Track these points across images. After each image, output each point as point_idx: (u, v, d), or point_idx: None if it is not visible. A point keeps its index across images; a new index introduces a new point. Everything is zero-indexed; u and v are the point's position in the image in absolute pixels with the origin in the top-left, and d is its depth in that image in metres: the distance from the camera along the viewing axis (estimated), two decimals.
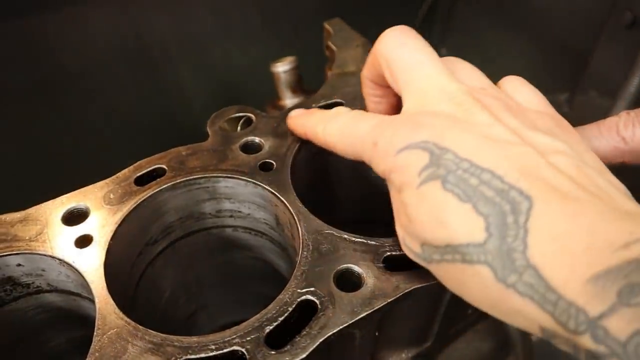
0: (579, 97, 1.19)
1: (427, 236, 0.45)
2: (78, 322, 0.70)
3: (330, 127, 0.58)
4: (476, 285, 0.41)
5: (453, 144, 0.44)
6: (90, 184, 0.70)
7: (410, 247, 0.50)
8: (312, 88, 1.05)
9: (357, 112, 0.58)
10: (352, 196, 0.85)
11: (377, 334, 0.60)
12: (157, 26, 1.36)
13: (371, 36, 1.66)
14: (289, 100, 1.00)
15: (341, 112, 0.59)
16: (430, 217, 0.43)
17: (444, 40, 1.70)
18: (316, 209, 0.78)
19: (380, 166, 0.50)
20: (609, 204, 0.38)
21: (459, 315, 0.70)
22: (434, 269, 0.48)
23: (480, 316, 0.75)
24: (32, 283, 0.65)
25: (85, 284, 0.61)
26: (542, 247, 0.37)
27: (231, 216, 0.72)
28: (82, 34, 1.26)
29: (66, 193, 0.67)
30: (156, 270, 0.71)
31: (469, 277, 0.42)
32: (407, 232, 0.49)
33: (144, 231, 0.67)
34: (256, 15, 1.43)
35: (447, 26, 1.67)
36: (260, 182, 0.65)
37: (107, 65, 1.34)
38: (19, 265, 0.62)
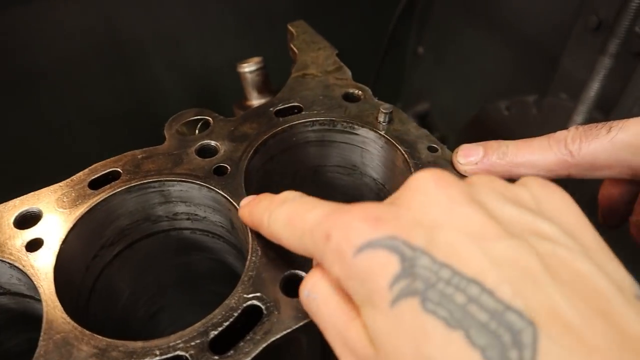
0: (548, 99, 1.21)
1: None
2: (34, 323, 0.70)
3: (276, 216, 0.49)
4: None
5: (426, 243, 0.35)
6: (58, 177, 0.70)
7: None
8: (280, 88, 1.05)
9: (309, 199, 0.48)
10: (315, 196, 0.85)
11: (323, 339, 0.60)
12: (130, 21, 1.35)
13: (350, 30, 1.66)
14: (255, 100, 1.00)
15: (289, 198, 0.49)
16: (412, 350, 0.33)
17: (421, 39, 1.71)
18: None
19: (334, 267, 0.39)
20: (621, 333, 0.30)
21: None
22: None
23: None
24: None
25: (33, 288, 0.62)
26: None
27: (188, 219, 0.73)
28: (53, 29, 1.25)
29: (29, 184, 0.67)
30: (113, 272, 0.71)
31: None
32: None
33: (99, 234, 0.67)
34: (231, 13, 1.43)
35: (424, 25, 1.68)
36: (213, 186, 0.65)
37: (79, 61, 1.33)
38: None
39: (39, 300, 0.66)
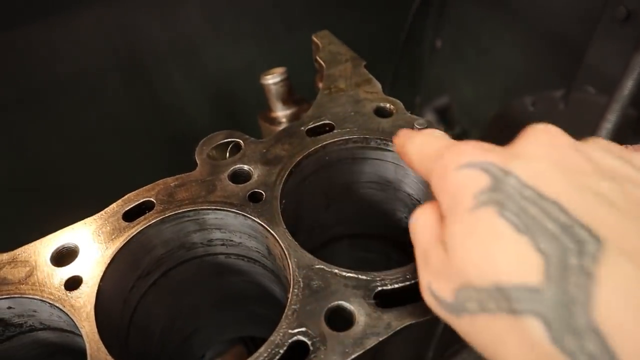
0: (575, 94, 1.18)
1: (470, 273, 0.37)
2: (74, 354, 0.70)
3: (414, 140, 0.53)
4: (519, 344, 0.34)
5: (518, 168, 0.38)
6: (86, 195, 0.69)
7: (437, 294, 0.44)
8: (304, 96, 1.04)
9: (443, 135, 0.52)
10: (346, 213, 0.84)
11: None
12: (147, 31, 1.34)
13: (367, 25, 1.63)
14: (280, 111, 0.99)
15: (430, 132, 0.54)
16: (479, 249, 0.37)
17: (438, 31, 1.68)
18: (311, 228, 0.78)
19: (435, 179, 0.45)
20: None
21: (454, 340, 0.70)
22: (464, 323, 0.41)
23: None
24: (25, 323, 0.65)
25: (75, 326, 0.62)
26: (611, 306, 0.30)
27: (223, 244, 0.72)
28: (69, 42, 1.24)
29: (61, 208, 0.67)
30: (150, 301, 0.71)
31: (511, 333, 0.34)
32: (437, 274, 0.43)
33: (135, 266, 0.66)
34: (247, 18, 1.41)
35: (442, 18, 1.64)
36: (249, 214, 0.64)
37: (97, 73, 1.32)
38: (10, 307, 0.62)
39: (79, 335, 0.66)
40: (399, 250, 0.89)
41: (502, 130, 1.42)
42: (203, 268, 0.75)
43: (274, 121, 0.98)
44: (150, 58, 1.37)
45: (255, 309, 0.85)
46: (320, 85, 0.92)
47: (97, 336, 0.56)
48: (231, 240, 0.71)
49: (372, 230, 0.88)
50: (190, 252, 0.72)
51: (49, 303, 0.60)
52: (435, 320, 0.57)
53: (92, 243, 0.64)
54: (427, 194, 0.74)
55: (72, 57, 1.27)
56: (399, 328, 0.54)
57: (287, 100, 0.98)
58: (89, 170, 1.41)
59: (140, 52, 1.36)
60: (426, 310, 0.56)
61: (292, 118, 0.98)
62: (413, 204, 0.78)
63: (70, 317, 0.58)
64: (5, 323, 0.64)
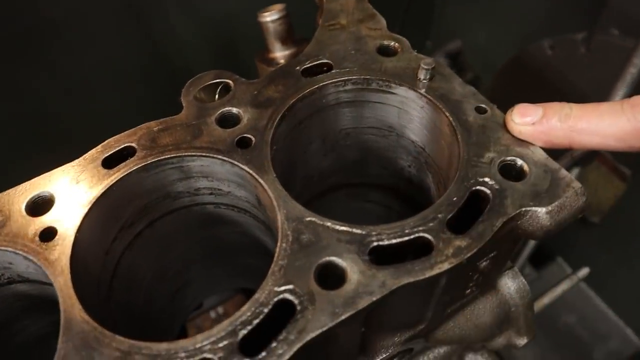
0: (598, 37, 1.09)
1: None
2: (54, 308, 0.67)
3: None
4: None
5: None
6: (81, 140, 0.64)
7: None
8: (305, 36, 0.96)
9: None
10: (344, 161, 0.78)
11: (362, 329, 0.56)
12: None
13: None
14: (278, 52, 0.92)
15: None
16: None
17: None
18: (306, 177, 0.73)
19: None
20: None
21: (456, 297, 0.65)
22: None
23: (481, 292, 0.71)
24: (2, 275, 0.62)
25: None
26: None
27: (211, 194, 0.67)
28: None
29: (57, 152, 0.62)
30: (135, 254, 0.67)
31: None
32: None
33: (117, 216, 0.62)
34: None
35: None
36: (237, 161, 0.59)
37: (92, 13, 1.25)
38: None
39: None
40: (401, 201, 0.84)
41: (515, 76, 1.34)
42: (191, 218, 0.70)
43: (272, 62, 0.92)
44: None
45: (248, 261, 0.81)
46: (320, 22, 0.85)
47: (71, 291, 0.52)
48: (219, 190, 0.66)
49: (372, 180, 0.82)
50: (176, 201, 0.67)
51: (23, 255, 0.56)
52: (434, 278, 0.53)
53: (70, 192, 0.59)
54: (432, 141, 0.68)
55: None
56: (394, 287, 0.50)
57: (286, 40, 0.91)
58: (83, 115, 1.36)
59: None
60: (425, 268, 0.52)
61: (292, 58, 0.91)
62: (417, 152, 0.72)
63: (44, 270, 0.54)
64: None
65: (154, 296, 0.74)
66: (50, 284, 0.62)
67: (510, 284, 0.72)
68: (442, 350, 0.78)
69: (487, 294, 0.72)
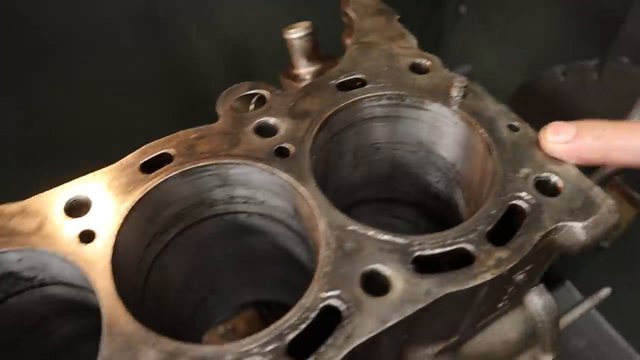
0: (609, 65, 1.12)
1: None
2: (85, 311, 0.66)
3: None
4: None
5: None
6: (96, 154, 0.64)
7: None
8: (329, 52, 0.98)
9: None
10: (374, 175, 0.79)
11: (405, 337, 0.56)
12: None
13: None
14: (303, 68, 0.93)
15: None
16: None
17: None
18: (336, 190, 0.73)
19: None
20: None
21: (491, 309, 0.66)
22: None
23: (510, 307, 0.71)
24: (36, 277, 0.61)
25: (87, 281, 0.58)
26: None
27: (245, 202, 0.67)
28: None
29: (70, 164, 0.62)
30: (166, 260, 0.67)
31: None
32: None
33: (152, 221, 0.62)
34: None
35: None
36: (276, 170, 0.60)
37: (109, 31, 1.26)
38: (20, 260, 0.58)
39: (93, 292, 0.62)
40: (427, 217, 0.84)
41: (528, 101, 1.36)
42: (222, 227, 0.70)
43: (297, 78, 0.93)
44: (165, 11, 1.31)
45: (275, 273, 0.81)
46: (348, 41, 0.86)
47: (113, 292, 0.52)
48: (254, 198, 0.66)
49: (399, 196, 0.83)
50: (210, 209, 0.67)
51: (61, 257, 0.56)
52: (475, 289, 0.53)
53: (107, 195, 0.59)
54: (464, 157, 0.69)
55: (85, 9, 1.21)
56: (438, 296, 0.50)
57: (311, 57, 0.92)
58: (97, 126, 1.35)
59: (155, 4, 1.30)
60: (468, 278, 0.53)
61: (317, 75, 0.92)
62: (447, 168, 0.73)
63: (83, 272, 0.54)
64: (16, 276, 0.60)
65: (179, 309, 0.74)
66: (84, 287, 0.62)
67: (537, 300, 0.73)
68: None
69: (514, 310, 0.72)
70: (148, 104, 1.43)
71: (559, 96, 1.25)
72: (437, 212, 0.81)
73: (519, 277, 0.60)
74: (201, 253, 0.72)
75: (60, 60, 1.23)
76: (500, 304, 0.66)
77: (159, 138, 0.64)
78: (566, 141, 0.60)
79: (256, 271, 0.82)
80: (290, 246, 0.72)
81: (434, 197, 0.79)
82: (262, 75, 1.23)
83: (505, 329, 0.72)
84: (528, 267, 0.60)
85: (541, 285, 0.74)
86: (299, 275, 0.78)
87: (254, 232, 0.72)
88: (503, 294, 0.64)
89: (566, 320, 0.87)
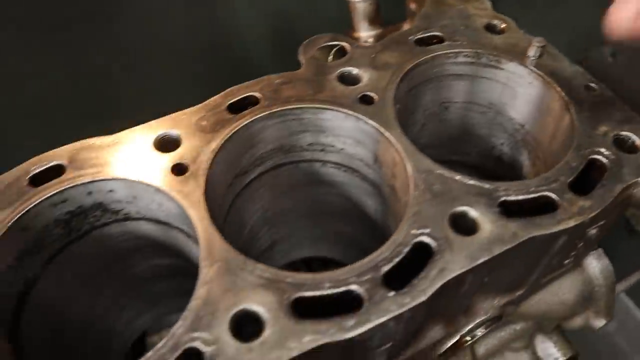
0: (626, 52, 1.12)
1: None
2: (164, 251, 0.69)
3: None
4: None
5: None
6: (138, 113, 0.66)
7: None
8: (387, 19, 0.99)
9: None
10: (439, 135, 0.81)
11: (486, 279, 0.57)
12: None
13: None
14: (364, 32, 0.94)
15: None
16: None
17: None
18: None
19: None
20: None
21: (558, 264, 0.67)
22: None
23: (571, 268, 0.73)
24: (122, 210, 0.63)
25: (177, 214, 0.59)
26: None
27: (322, 150, 0.69)
28: None
29: (117, 123, 0.63)
30: (242, 203, 0.69)
31: None
32: None
33: (236, 162, 0.64)
34: None
35: None
36: (362, 115, 0.61)
37: None
38: (111, 191, 0.60)
39: (175, 228, 0.64)
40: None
41: None
42: (296, 176, 0.72)
43: (357, 42, 0.94)
44: None
45: (339, 227, 0.83)
46: (413, 5, 0.88)
47: (208, 221, 0.54)
48: (333, 146, 0.68)
49: (461, 158, 0.84)
50: (287, 155, 0.69)
51: (155, 187, 0.57)
52: (557, 235, 0.55)
53: (195, 132, 0.61)
54: (536, 117, 0.71)
55: None
56: (525, 238, 0.52)
57: (373, 20, 0.93)
58: (140, 88, 1.37)
59: None
60: (552, 223, 0.54)
61: (378, 40, 0.94)
62: (514, 129, 0.75)
63: (176, 203, 0.56)
64: (104, 208, 0.62)
65: (247, 250, 0.76)
66: (167, 224, 0.64)
67: (595, 264, 0.74)
68: (517, 327, 0.80)
69: (573, 272, 0.74)
70: (187, 71, 1.45)
71: (607, 78, 1.25)
72: (495, 176, 0.83)
73: (592, 231, 0.62)
74: (273, 200, 0.74)
75: (108, 19, 1.24)
76: (567, 261, 0.68)
77: (194, 103, 0.65)
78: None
79: (319, 225, 0.83)
80: (359, 198, 0.74)
81: (496, 160, 0.81)
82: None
83: (564, 289, 0.74)
84: (602, 222, 0.61)
85: (600, 250, 0.75)
86: (362, 232, 0.80)
87: (326, 183, 0.74)
88: (572, 249, 0.65)
89: (619, 288, 0.88)
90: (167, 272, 0.74)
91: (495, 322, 0.70)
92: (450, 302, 0.59)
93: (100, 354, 0.78)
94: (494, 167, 0.81)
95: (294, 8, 1.42)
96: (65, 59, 1.24)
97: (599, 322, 0.78)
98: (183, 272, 0.72)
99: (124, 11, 1.25)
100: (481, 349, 0.81)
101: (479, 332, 0.72)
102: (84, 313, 0.70)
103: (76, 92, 1.28)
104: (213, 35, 1.42)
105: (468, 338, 0.72)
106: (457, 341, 0.71)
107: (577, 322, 0.79)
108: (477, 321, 0.67)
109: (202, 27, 1.40)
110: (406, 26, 0.89)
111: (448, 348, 0.71)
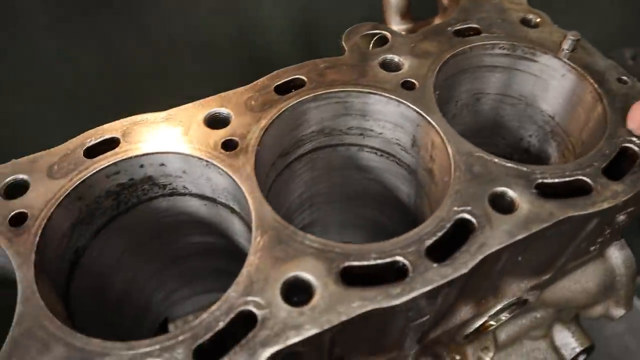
0: None
1: None
2: (205, 227, 0.71)
3: None
4: None
5: None
6: (159, 99, 0.68)
7: None
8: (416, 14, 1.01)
9: None
10: (468, 125, 0.83)
11: (519, 258, 0.60)
12: None
13: None
14: (396, 26, 0.97)
15: None
16: None
17: None
18: None
19: None
20: None
21: (585, 250, 0.70)
22: None
23: (599, 254, 0.75)
24: (169, 184, 0.66)
25: (225, 188, 0.62)
26: None
27: (361, 134, 0.72)
28: None
29: (138, 110, 0.66)
30: (281, 184, 0.72)
31: None
32: None
33: (280, 142, 0.67)
34: None
35: None
36: (404, 100, 0.64)
37: None
38: (162, 164, 0.63)
39: (220, 204, 0.67)
40: None
41: None
42: (333, 158, 0.75)
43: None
44: None
45: (370, 212, 0.85)
46: (445, 0, 0.90)
47: (259, 193, 0.57)
48: (372, 130, 0.71)
49: (492, 149, 0.86)
50: (326, 138, 0.72)
51: (206, 161, 0.60)
52: (591, 216, 0.58)
53: (245, 111, 0.64)
54: (567, 109, 0.73)
55: None
56: (561, 217, 0.55)
57: (405, 15, 0.96)
58: (165, 76, 1.40)
59: None
60: (587, 205, 0.57)
61: (408, 34, 0.96)
62: (544, 121, 0.77)
63: (228, 176, 0.59)
64: (153, 182, 0.65)
65: None
66: (213, 200, 0.67)
67: (618, 254, 0.77)
68: (538, 315, 0.82)
69: (595, 262, 0.77)
70: (210, 61, 1.47)
71: None
72: None
73: (621, 217, 0.64)
74: (309, 182, 0.77)
75: (137, 7, 1.27)
76: (592, 247, 0.71)
77: (216, 93, 0.66)
78: None
79: (350, 210, 0.86)
80: (393, 183, 0.77)
81: (523, 152, 0.83)
82: (328, 50, 1.27)
83: (586, 277, 0.77)
84: (631, 209, 0.64)
85: (622, 240, 0.78)
86: (392, 218, 0.83)
87: (362, 168, 0.77)
88: (599, 235, 0.68)
89: None
90: (205, 250, 0.77)
91: (520, 306, 0.73)
92: (484, 281, 0.62)
93: (135, 326, 0.80)
94: (520, 159, 0.84)
95: (319, 4, 1.45)
96: (97, 43, 1.27)
97: (619, 312, 0.80)
98: (221, 251, 0.75)
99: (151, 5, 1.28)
100: (502, 335, 0.84)
101: (504, 317, 0.75)
102: (127, 282, 0.73)
103: (102, 82, 1.31)
104: (237, 29, 1.44)
105: (493, 322, 0.75)
106: (482, 324, 0.73)
107: (598, 310, 0.82)
108: (505, 303, 0.69)
109: (227, 18, 1.42)
110: (437, 21, 0.92)
111: (473, 331, 0.74)
